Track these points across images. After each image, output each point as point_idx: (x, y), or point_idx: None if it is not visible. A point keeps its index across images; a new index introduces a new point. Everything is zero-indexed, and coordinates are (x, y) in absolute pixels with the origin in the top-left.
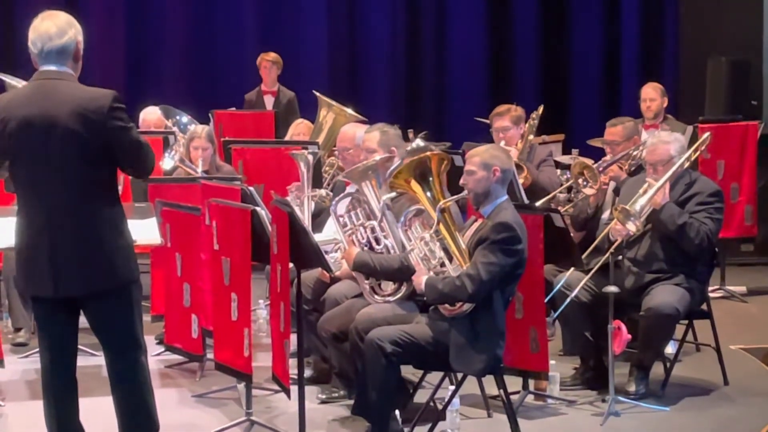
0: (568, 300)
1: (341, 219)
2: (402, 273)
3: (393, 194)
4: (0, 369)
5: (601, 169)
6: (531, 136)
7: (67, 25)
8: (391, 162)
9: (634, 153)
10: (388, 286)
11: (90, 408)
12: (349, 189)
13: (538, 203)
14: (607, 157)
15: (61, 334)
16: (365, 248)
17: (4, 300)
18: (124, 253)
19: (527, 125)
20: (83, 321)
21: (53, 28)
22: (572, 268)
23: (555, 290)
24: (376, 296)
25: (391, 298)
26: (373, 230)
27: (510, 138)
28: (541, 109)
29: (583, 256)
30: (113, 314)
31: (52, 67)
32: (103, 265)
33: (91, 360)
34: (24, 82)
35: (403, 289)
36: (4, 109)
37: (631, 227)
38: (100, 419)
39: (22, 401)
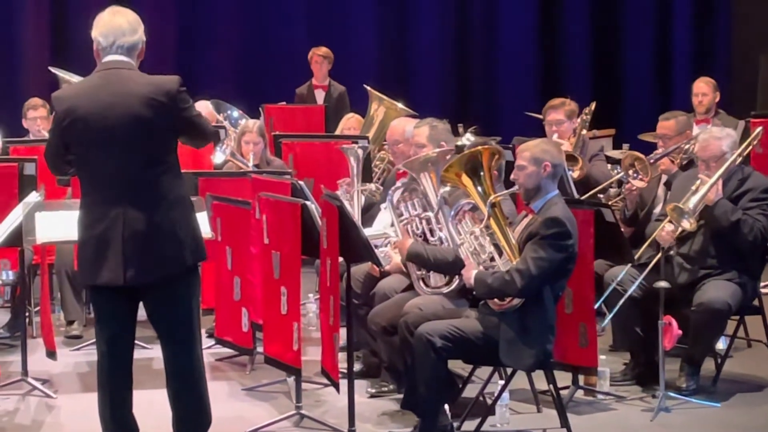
0: (622, 301)
1: (397, 209)
2: (455, 266)
3: (450, 188)
4: (52, 361)
5: (652, 161)
6: (584, 131)
7: (137, 23)
8: (451, 155)
9: (686, 147)
10: (438, 279)
11: (142, 401)
12: (400, 183)
13: (586, 196)
14: (659, 151)
15: (121, 325)
16: (420, 239)
17: (56, 293)
18: (193, 233)
19: (580, 120)
20: (139, 314)
21: (126, 24)
22: (629, 264)
23: (609, 290)
24: (427, 288)
25: (444, 290)
26: (428, 222)
27: (563, 131)
28: (593, 105)
29: (637, 255)
30: (174, 303)
31: (119, 58)
32: (173, 249)
33: (144, 353)
34: (78, 78)
35: (455, 282)
36: (67, 100)
37: (686, 225)
38: (152, 412)
39: (75, 393)
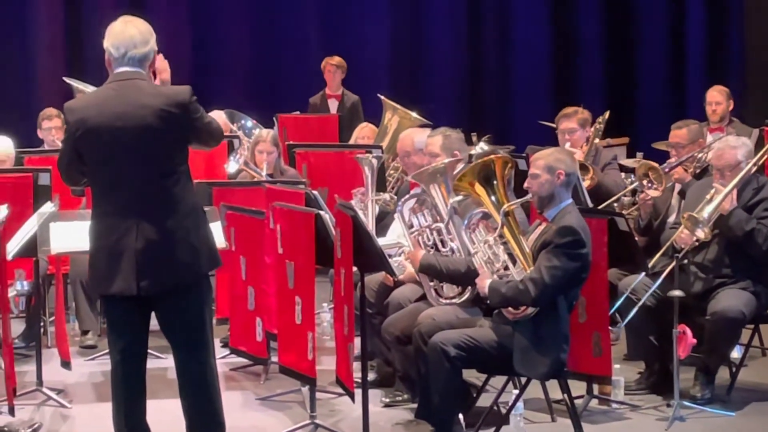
0: (636, 309)
1: (408, 220)
2: (468, 277)
3: (460, 197)
4: (67, 371)
5: (666, 170)
6: (596, 140)
7: (149, 33)
8: (459, 165)
9: (699, 155)
10: (451, 290)
11: (156, 410)
12: (414, 192)
13: (601, 206)
14: (672, 160)
15: (134, 335)
16: (431, 250)
17: (70, 303)
18: (207, 242)
19: (593, 129)
20: (152, 324)
21: (138, 35)
22: (643, 273)
23: (622, 299)
24: (440, 298)
25: (456, 300)
26: (439, 232)
27: (576, 140)
28: (607, 114)
29: (651, 263)
30: (186, 312)
31: (131, 69)
32: (187, 258)
33: (158, 362)
34: (93, 87)
35: (468, 292)
36: (79, 111)
37: (700, 234)
38: (166, 421)
39: (89, 403)
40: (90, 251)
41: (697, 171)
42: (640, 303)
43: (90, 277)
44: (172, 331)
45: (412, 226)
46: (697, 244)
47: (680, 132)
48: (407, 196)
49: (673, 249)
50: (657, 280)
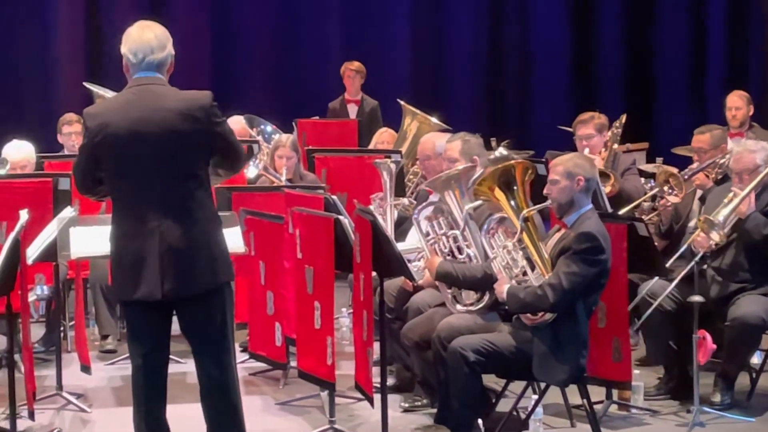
0: (651, 309)
1: (424, 228)
2: (485, 283)
3: (475, 203)
4: (86, 376)
5: (687, 176)
6: (615, 145)
7: (166, 38)
8: (474, 171)
9: (721, 161)
10: (470, 296)
11: (176, 415)
12: (432, 198)
13: (621, 211)
14: (694, 165)
15: (155, 339)
16: (447, 257)
17: (90, 308)
18: (224, 249)
19: (610, 133)
20: (174, 328)
21: (155, 41)
22: (656, 277)
23: (638, 298)
24: (458, 305)
25: (473, 308)
26: (455, 239)
27: (594, 146)
28: (624, 117)
29: (668, 264)
30: (208, 316)
31: (149, 74)
32: (208, 263)
33: (178, 367)
34: (112, 93)
35: (486, 298)
36: (100, 116)
37: (715, 237)
38: (186, 426)
39: (109, 408)
40: (111, 256)
41: (719, 177)
42: (656, 303)
43: (113, 282)
44: (194, 336)
45: (428, 235)
46: (714, 247)
47: (703, 137)
48: (423, 205)
49: (692, 253)
50: (677, 284)
